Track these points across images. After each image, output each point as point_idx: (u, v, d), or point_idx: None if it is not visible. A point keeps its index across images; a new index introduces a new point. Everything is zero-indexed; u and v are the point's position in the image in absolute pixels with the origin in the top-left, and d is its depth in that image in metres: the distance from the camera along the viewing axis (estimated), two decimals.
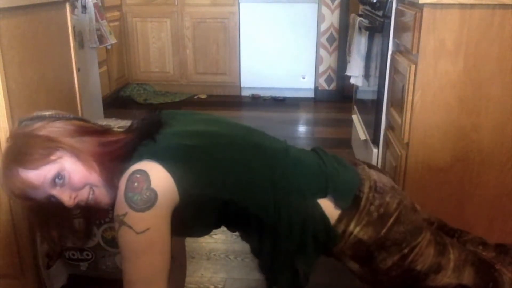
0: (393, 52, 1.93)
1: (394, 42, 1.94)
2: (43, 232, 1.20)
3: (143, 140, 1.02)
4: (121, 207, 0.96)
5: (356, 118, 2.79)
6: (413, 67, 1.59)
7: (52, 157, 0.99)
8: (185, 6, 4.12)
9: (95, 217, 1.39)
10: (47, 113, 1.07)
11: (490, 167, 1.62)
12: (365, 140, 2.37)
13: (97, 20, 3.09)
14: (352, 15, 2.61)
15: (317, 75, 4.17)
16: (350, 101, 3.04)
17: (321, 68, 4.14)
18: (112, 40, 3.32)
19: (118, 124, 1.81)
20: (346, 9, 3.91)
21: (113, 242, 1.46)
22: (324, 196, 1.07)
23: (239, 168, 1.06)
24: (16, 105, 1.38)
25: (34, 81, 1.50)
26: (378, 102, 2.08)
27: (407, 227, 1.08)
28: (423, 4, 1.49)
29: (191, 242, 1.92)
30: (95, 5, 3.07)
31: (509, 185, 1.63)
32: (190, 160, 1.01)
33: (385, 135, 2.03)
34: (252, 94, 4.27)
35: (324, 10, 3.98)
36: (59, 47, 1.69)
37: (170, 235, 1.00)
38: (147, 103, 4.02)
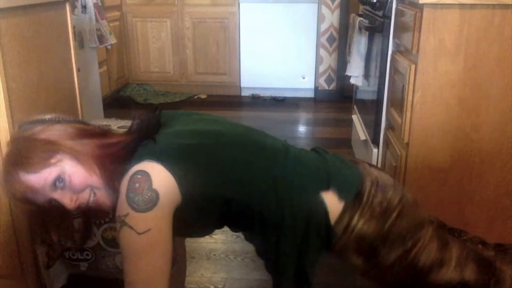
0: (393, 52, 1.93)
1: (394, 42, 1.94)
2: (43, 235, 1.20)
3: (143, 141, 1.02)
4: (123, 208, 0.96)
5: (356, 118, 2.79)
6: (413, 67, 1.59)
7: (52, 160, 0.99)
8: (185, 6, 4.12)
9: (95, 217, 1.39)
10: (47, 116, 1.07)
11: (490, 167, 1.62)
12: (365, 140, 2.37)
13: (97, 20, 3.09)
14: (352, 15, 2.61)
15: (317, 75, 4.17)
16: (350, 101, 3.04)
17: (321, 68, 4.14)
18: (112, 40, 3.32)
19: (118, 124, 1.81)
20: (346, 9, 3.92)
21: (113, 242, 1.46)
22: (327, 188, 1.07)
23: (240, 166, 1.06)
24: (16, 105, 1.38)
25: (34, 81, 1.50)
26: (378, 102, 2.08)
27: (410, 221, 1.08)
28: (423, 4, 1.49)
29: (191, 242, 1.92)
30: (95, 5, 3.07)
31: (509, 185, 1.63)
32: (191, 160, 1.01)
33: (385, 135, 2.03)
34: (252, 94, 4.27)
35: (324, 10, 3.98)
36: (59, 47, 1.69)
37: (172, 236, 1.00)
38: (147, 103, 4.02)
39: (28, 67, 1.46)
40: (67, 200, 1.01)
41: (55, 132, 1.02)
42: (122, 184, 0.97)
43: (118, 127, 1.76)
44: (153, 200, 0.94)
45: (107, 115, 3.20)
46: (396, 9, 1.89)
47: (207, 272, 1.77)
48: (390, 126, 1.97)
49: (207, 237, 1.97)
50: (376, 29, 2.10)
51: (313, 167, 1.12)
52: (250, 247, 1.91)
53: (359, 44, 2.35)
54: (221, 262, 1.83)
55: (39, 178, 0.98)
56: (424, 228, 1.10)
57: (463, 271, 1.12)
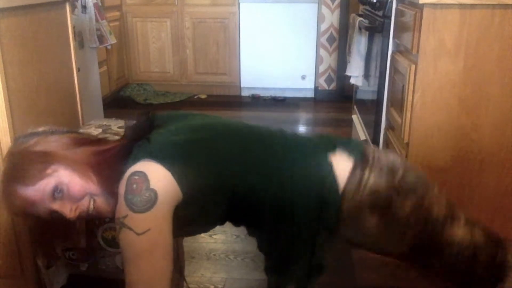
0: (393, 52, 1.93)
1: (394, 42, 1.94)
2: (46, 248, 1.20)
3: (137, 142, 1.02)
4: (121, 209, 0.96)
5: (356, 118, 2.79)
6: (413, 67, 1.59)
7: (48, 171, 0.99)
8: (185, 6, 4.12)
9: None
10: (40, 129, 1.07)
11: (490, 167, 1.62)
12: (365, 140, 2.37)
13: (97, 20, 3.09)
14: (352, 15, 2.61)
15: (317, 75, 4.17)
16: (350, 101, 3.04)
17: (321, 68, 4.14)
18: (112, 40, 3.32)
19: (118, 124, 1.81)
20: (346, 9, 3.92)
21: (113, 242, 1.46)
22: (333, 150, 1.08)
23: (238, 154, 1.06)
24: (16, 105, 1.38)
25: (34, 81, 1.50)
26: (378, 102, 2.08)
27: (417, 177, 1.11)
28: (423, 4, 1.49)
29: (191, 242, 1.92)
30: (95, 5, 3.07)
31: (509, 185, 1.63)
32: (188, 155, 1.01)
33: (385, 135, 2.03)
34: (252, 94, 4.27)
35: (324, 10, 3.98)
36: (59, 47, 1.69)
37: (172, 236, 1.00)
38: (147, 103, 4.02)
39: (28, 67, 1.46)
40: (67, 209, 1.01)
41: (50, 143, 1.03)
42: (120, 187, 0.97)
43: (118, 127, 1.76)
44: (152, 200, 0.94)
45: (107, 115, 3.20)
46: (396, 9, 1.89)
47: (207, 272, 1.77)
48: (390, 126, 1.97)
49: (207, 237, 1.97)
50: (376, 29, 2.10)
51: (314, 139, 1.14)
52: (250, 247, 1.92)
53: (359, 44, 2.35)
54: (221, 262, 1.83)
55: (37, 191, 0.98)
56: (431, 184, 1.11)
57: (473, 232, 1.12)
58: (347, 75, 2.56)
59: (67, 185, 0.99)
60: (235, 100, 4.20)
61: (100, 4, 3.25)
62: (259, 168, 1.05)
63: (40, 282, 1.52)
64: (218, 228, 2.03)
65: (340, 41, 3.99)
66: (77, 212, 1.02)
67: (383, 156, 1.10)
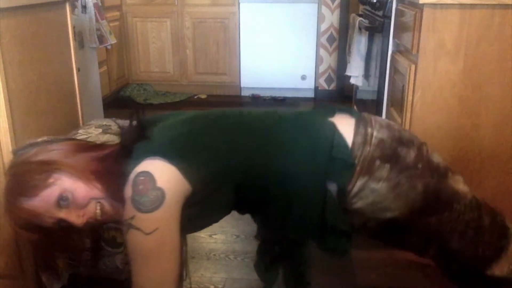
0: (393, 52, 1.93)
1: (394, 42, 1.94)
2: (50, 263, 1.19)
3: (136, 142, 1.02)
4: (128, 211, 0.95)
5: None
6: (413, 67, 1.59)
7: (51, 180, 0.97)
8: (185, 6, 4.12)
9: (100, 241, 1.37)
10: (39, 139, 1.06)
11: (490, 167, 1.62)
12: None
13: (97, 20, 3.09)
14: (352, 15, 2.61)
15: (317, 75, 4.17)
16: (350, 101, 3.04)
17: (321, 68, 4.14)
18: (112, 40, 3.32)
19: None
20: (346, 9, 3.92)
21: (113, 242, 1.46)
22: (333, 114, 1.12)
23: (237, 133, 1.06)
24: (16, 105, 1.38)
25: (34, 81, 1.50)
26: (378, 102, 2.08)
27: (410, 133, 1.16)
28: (423, 4, 1.49)
29: (191, 242, 1.92)
30: (95, 5, 3.07)
31: (509, 185, 1.63)
32: (189, 146, 1.01)
33: None
34: (252, 94, 4.27)
35: (324, 10, 3.98)
36: (59, 47, 1.69)
37: (180, 235, 1.00)
38: (147, 103, 4.02)
39: (28, 67, 1.46)
40: (74, 217, 0.99)
41: (49, 152, 1.02)
42: (126, 189, 0.96)
43: (118, 127, 1.76)
44: (160, 199, 0.94)
45: (107, 115, 3.20)
46: (396, 9, 1.89)
47: (207, 272, 1.77)
48: None
49: (207, 237, 1.97)
50: (376, 29, 2.10)
51: (311, 110, 1.18)
52: (250, 247, 1.92)
53: (359, 44, 2.35)
54: (221, 262, 1.83)
55: (41, 201, 0.97)
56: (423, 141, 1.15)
57: (472, 192, 1.13)
58: (347, 75, 2.56)
59: (71, 192, 0.98)
60: (235, 100, 4.20)
61: (100, 4, 3.25)
62: (261, 146, 1.05)
63: (40, 282, 1.52)
64: (218, 228, 2.04)
65: (340, 41, 3.99)
66: (84, 218, 1.00)
67: (379, 118, 1.15)
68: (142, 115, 1.11)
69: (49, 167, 0.98)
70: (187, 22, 4.15)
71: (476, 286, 1.21)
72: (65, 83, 1.74)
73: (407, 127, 1.63)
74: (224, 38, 4.15)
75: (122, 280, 1.63)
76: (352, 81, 2.49)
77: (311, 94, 4.24)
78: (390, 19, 1.94)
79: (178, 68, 4.29)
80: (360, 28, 2.33)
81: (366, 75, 2.37)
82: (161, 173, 0.95)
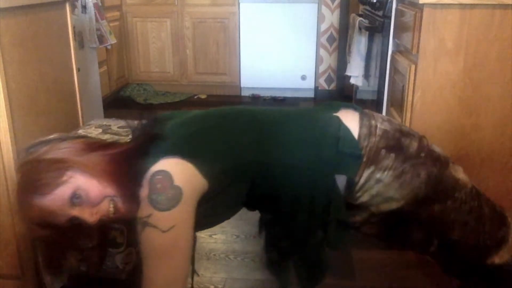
0: (393, 52, 1.93)
1: (394, 42, 1.94)
2: (57, 260, 1.18)
3: (152, 141, 1.02)
4: (145, 209, 0.95)
5: None
6: (413, 67, 1.59)
7: (64, 178, 0.97)
8: (185, 6, 4.12)
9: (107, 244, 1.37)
10: (51, 136, 1.06)
11: (490, 167, 1.62)
12: None
13: (97, 20, 3.09)
14: (352, 15, 2.61)
15: (317, 75, 4.16)
16: (350, 101, 3.04)
17: (321, 68, 4.14)
18: (112, 40, 3.32)
19: (118, 124, 1.81)
20: (346, 9, 3.91)
21: (113, 242, 1.46)
22: (337, 110, 1.15)
23: (249, 128, 1.09)
24: (16, 105, 1.38)
25: (34, 81, 1.50)
26: (378, 102, 2.08)
27: (409, 127, 1.21)
28: (423, 4, 1.49)
29: None
30: (95, 5, 3.07)
31: (509, 185, 1.63)
32: (203, 143, 1.03)
33: None
34: (252, 94, 4.27)
35: (324, 10, 3.98)
36: (59, 47, 1.69)
37: (193, 232, 1.00)
38: (147, 103, 4.02)
39: (28, 67, 1.46)
40: (87, 214, 0.99)
41: (62, 150, 1.02)
42: (143, 188, 0.96)
43: (118, 127, 1.77)
44: (177, 197, 0.95)
45: (107, 115, 3.20)
46: (396, 9, 1.89)
47: (207, 272, 1.77)
48: None
49: (207, 237, 1.97)
50: (376, 29, 2.10)
51: (317, 107, 1.21)
52: (250, 247, 1.92)
53: (359, 44, 2.35)
54: (221, 262, 1.83)
55: (55, 199, 0.97)
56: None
57: (472, 183, 1.16)
58: (347, 75, 2.56)
59: (85, 190, 0.98)
60: (235, 100, 4.20)
61: (100, 4, 3.25)
62: (270, 141, 1.07)
63: (40, 282, 1.52)
64: (218, 228, 2.04)
65: (340, 41, 3.99)
66: (97, 216, 1.01)
67: (379, 114, 1.20)
68: (149, 114, 1.13)
69: (62, 165, 0.99)
70: (187, 22, 4.15)
71: (475, 280, 1.21)
72: (65, 83, 1.74)
73: None
74: (224, 38, 4.15)
75: (122, 280, 1.63)
76: (352, 81, 2.49)
77: (311, 94, 4.23)
78: (390, 19, 1.94)
79: (178, 68, 4.29)
80: (360, 28, 2.33)
81: (366, 75, 2.37)
82: (178, 171, 0.96)
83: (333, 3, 3.96)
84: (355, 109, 1.16)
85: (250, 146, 1.06)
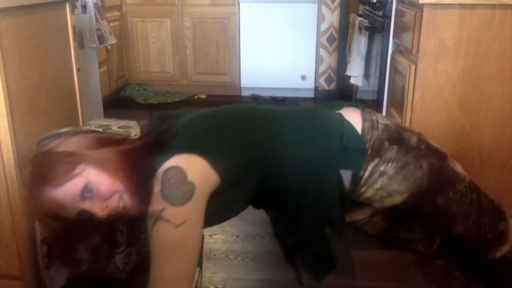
0: (393, 52, 1.93)
1: (394, 42, 1.94)
2: (65, 254, 1.18)
3: (163, 138, 1.03)
4: (158, 203, 0.95)
5: None
6: (413, 67, 1.59)
7: (76, 171, 0.98)
8: (185, 6, 4.12)
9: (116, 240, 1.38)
10: (63, 130, 1.06)
11: (490, 167, 1.62)
12: None
13: (97, 20, 3.09)
14: (352, 15, 2.61)
15: (317, 75, 4.17)
16: (350, 101, 3.04)
17: (321, 68, 4.14)
18: (112, 40, 3.32)
19: (118, 124, 1.81)
20: (346, 9, 3.91)
21: (113, 242, 1.46)
22: (339, 108, 1.17)
23: (257, 125, 1.10)
24: (16, 105, 1.38)
25: (34, 81, 1.50)
26: (378, 102, 2.08)
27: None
28: (423, 4, 1.49)
29: None
30: (95, 5, 3.07)
31: (509, 185, 1.63)
32: (214, 138, 1.05)
33: None
34: (252, 94, 4.27)
35: (324, 10, 3.98)
36: (59, 47, 1.69)
37: (202, 228, 1.01)
38: (147, 103, 4.02)
39: (28, 67, 1.46)
40: (98, 208, 1.00)
41: (74, 143, 1.02)
42: (155, 183, 0.96)
43: (118, 127, 1.77)
44: (191, 192, 0.95)
45: (107, 115, 3.20)
46: (396, 9, 1.89)
47: (207, 272, 1.77)
48: None
49: (207, 237, 1.97)
50: (376, 29, 2.10)
51: (319, 105, 1.23)
52: (250, 247, 1.92)
53: (359, 44, 2.35)
54: (221, 262, 1.83)
55: (66, 191, 0.97)
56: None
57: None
58: (347, 75, 2.56)
59: (96, 184, 0.98)
60: (235, 100, 4.20)
61: (100, 4, 3.25)
62: (277, 138, 1.09)
63: (40, 282, 1.52)
64: (218, 228, 2.04)
65: (340, 41, 3.99)
66: (107, 210, 1.01)
67: (378, 113, 1.23)
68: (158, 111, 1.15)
69: (74, 158, 0.99)
70: (187, 22, 4.15)
71: (476, 280, 1.22)
72: (65, 83, 1.74)
73: None
74: (224, 38, 4.15)
75: (122, 280, 1.63)
76: (352, 81, 2.49)
77: (311, 94, 4.23)
78: (390, 19, 1.94)
79: (178, 68, 4.29)
80: (360, 28, 2.33)
81: (366, 75, 2.37)
82: (191, 167, 0.97)
83: (333, 3, 3.96)
84: (356, 106, 1.19)
85: (259, 142, 1.08)
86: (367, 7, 2.39)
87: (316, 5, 3.97)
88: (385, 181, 1.09)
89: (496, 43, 1.50)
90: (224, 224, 2.04)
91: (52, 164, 0.98)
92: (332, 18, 3.99)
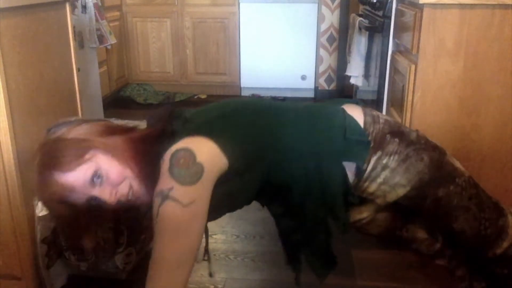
0: (393, 52, 1.93)
1: (394, 42, 1.94)
2: (74, 241, 1.19)
3: (173, 126, 1.04)
4: (167, 182, 0.95)
5: None
6: (413, 67, 1.59)
7: (87, 156, 0.98)
8: (185, 6, 4.12)
9: (130, 219, 1.38)
10: (72, 118, 1.07)
11: (490, 167, 1.62)
12: None
13: (97, 20, 3.09)
14: (352, 15, 2.61)
15: (317, 75, 4.17)
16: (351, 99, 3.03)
17: (321, 68, 4.14)
18: (112, 40, 3.32)
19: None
20: (346, 9, 3.91)
21: (114, 242, 1.46)
22: (341, 105, 1.19)
23: (265, 116, 1.11)
24: (16, 105, 1.38)
25: (34, 81, 1.50)
26: (378, 102, 2.08)
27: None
28: (423, 4, 1.49)
29: None
30: (95, 5, 3.07)
31: (509, 185, 1.63)
32: (225, 125, 1.06)
33: None
34: (252, 94, 4.27)
35: (324, 10, 3.98)
36: (59, 47, 1.69)
37: (207, 211, 1.01)
38: (147, 103, 4.02)
39: (28, 67, 1.46)
40: (107, 194, 1.00)
41: (83, 130, 1.02)
42: (163, 164, 0.96)
43: None
44: (199, 173, 0.95)
45: (107, 115, 3.20)
46: (396, 9, 1.89)
47: (207, 272, 1.77)
48: None
49: None
50: (376, 29, 2.10)
51: (321, 102, 1.25)
52: (250, 247, 1.92)
53: (359, 44, 2.35)
54: (221, 262, 1.83)
55: (77, 176, 0.97)
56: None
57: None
58: (347, 75, 2.57)
59: (106, 170, 0.99)
60: None
61: (100, 4, 3.25)
62: (284, 128, 1.10)
63: (40, 282, 1.52)
64: (218, 228, 2.04)
65: (340, 41, 3.99)
66: (117, 196, 1.01)
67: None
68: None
69: (84, 144, 0.99)
70: (187, 22, 4.15)
71: (477, 279, 1.22)
72: (65, 83, 1.74)
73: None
74: (224, 38, 4.15)
75: (122, 280, 1.63)
76: (352, 81, 2.49)
77: (311, 94, 4.23)
78: (390, 19, 1.94)
79: (178, 68, 4.29)
80: (360, 28, 2.34)
81: (366, 75, 2.37)
82: (201, 149, 0.97)
83: (333, 3, 3.96)
84: (357, 103, 1.21)
85: (265, 132, 1.08)
86: (367, 7, 2.40)
87: (316, 5, 3.97)
88: (387, 174, 1.09)
89: (496, 43, 1.50)
90: (224, 224, 2.05)
91: (62, 149, 0.99)
92: (332, 18, 3.99)
